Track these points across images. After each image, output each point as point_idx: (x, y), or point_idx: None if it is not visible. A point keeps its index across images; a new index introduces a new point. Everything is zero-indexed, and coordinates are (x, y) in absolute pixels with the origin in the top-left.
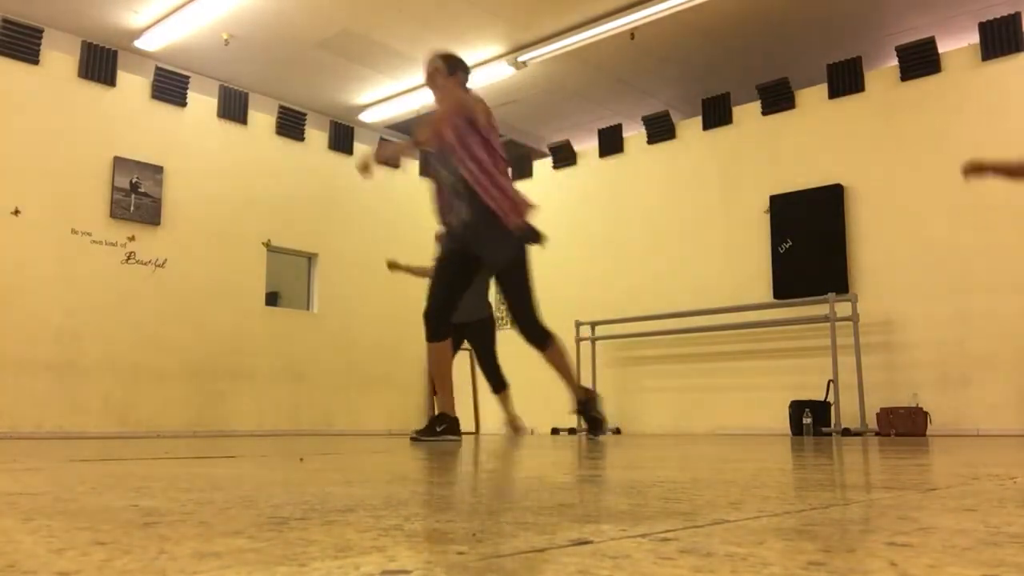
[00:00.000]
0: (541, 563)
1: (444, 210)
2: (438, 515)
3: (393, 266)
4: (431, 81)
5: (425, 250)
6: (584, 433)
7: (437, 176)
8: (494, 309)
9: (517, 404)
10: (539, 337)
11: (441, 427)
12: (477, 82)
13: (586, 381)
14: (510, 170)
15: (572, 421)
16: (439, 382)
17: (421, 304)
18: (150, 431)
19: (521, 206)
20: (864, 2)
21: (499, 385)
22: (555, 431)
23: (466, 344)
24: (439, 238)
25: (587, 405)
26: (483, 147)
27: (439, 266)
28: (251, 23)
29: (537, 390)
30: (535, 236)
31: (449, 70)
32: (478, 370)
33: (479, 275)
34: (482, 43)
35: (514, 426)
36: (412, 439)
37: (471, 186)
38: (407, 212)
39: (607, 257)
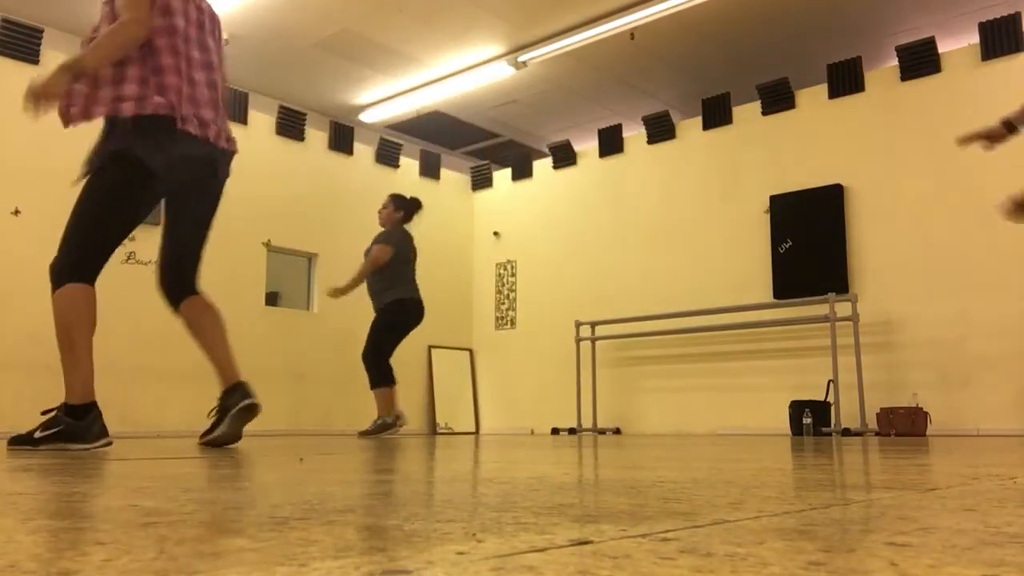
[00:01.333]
0: (541, 563)
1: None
2: (438, 514)
3: (335, 292)
4: None
5: (424, 250)
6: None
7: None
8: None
9: (520, 404)
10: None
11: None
12: (477, 82)
13: (586, 381)
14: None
15: (571, 421)
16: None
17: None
18: (150, 431)
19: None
20: (864, 2)
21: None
22: (555, 431)
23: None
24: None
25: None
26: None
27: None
28: (251, 23)
29: (536, 391)
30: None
31: None
32: (479, 371)
33: None
34: (482, 43)
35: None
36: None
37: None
38: None
39: (607, 257)
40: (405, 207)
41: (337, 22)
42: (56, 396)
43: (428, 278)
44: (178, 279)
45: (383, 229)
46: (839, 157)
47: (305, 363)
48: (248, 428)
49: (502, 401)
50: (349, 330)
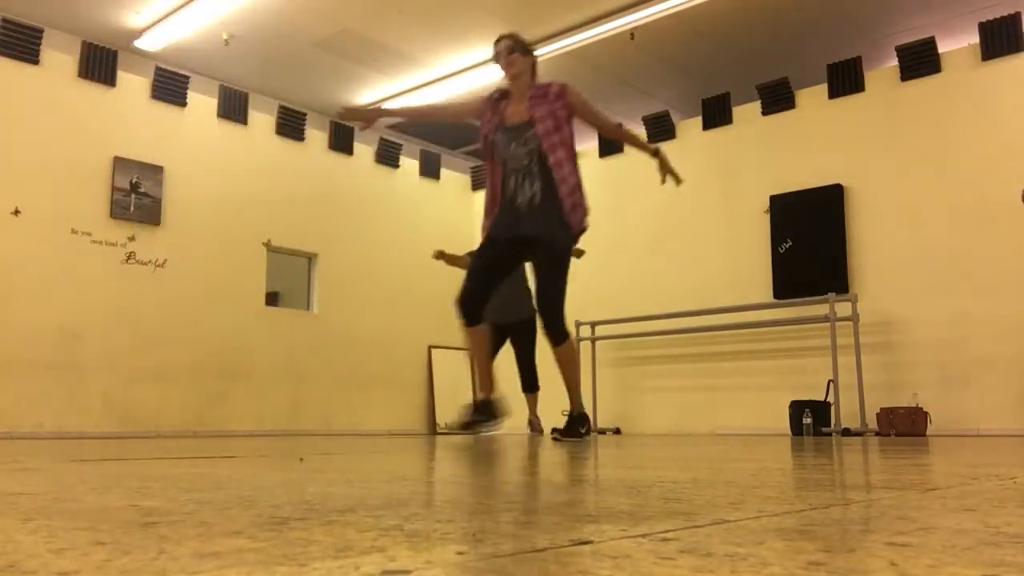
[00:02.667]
0: (541, 563)
1: (505, 189)
2: (438, 515)
3: (440, 255)
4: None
5: (424, 250)
6: (554, 432)
7: (505, 152)
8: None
9: (520, 404)
10: (556, 330)
11: (482, 414)
12: (477, 81)
13: (586, 381)
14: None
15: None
16: (478, 366)
17: (422, 304)
18: (150, 431)
19: (584, 206)
20: (864, 2)
21: (531, 386)
22: (555, 431)
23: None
24: (485, 221)
25: (577, 420)
26: (572, 139)
27: (481, 250)
28: (251, 23)
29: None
30: (578, 237)
31: (523, 50)
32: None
33: (520, 267)
34: (482, 43)
35: (533, 426)
36: (555, 439)
37: (551, 168)
38: (407, 212)
39: (607, 257)
40: None
41: (337, 22)
42: (54, 394)
43: (428, 278)
44: None
45: None
46: (839, 157)
47: (305, 363)
48: (248, 428)
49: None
50: (349, 330)
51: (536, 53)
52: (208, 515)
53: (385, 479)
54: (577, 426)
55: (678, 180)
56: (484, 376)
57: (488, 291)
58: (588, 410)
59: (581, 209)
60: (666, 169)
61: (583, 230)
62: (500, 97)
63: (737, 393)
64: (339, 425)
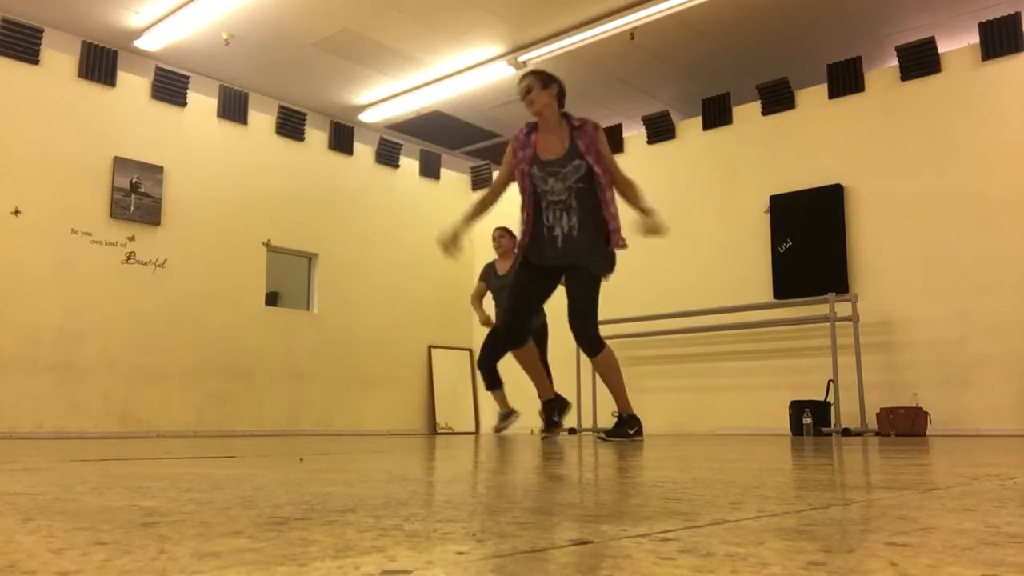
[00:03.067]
0: (541, 563)
1: (541, 221)
2: (438, 515)
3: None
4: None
5: (424, 250)
6: (599, 434)
7: (543, 186)
8: (547, 318)
9: (519, 404)
10: (590, 344)
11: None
12: (477, 82)
13: (586, 381)
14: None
15: (571, 421)
16: (533, 377)
17: (422, 304)
18: (150, 431)
19: (619, 236)
20: (864, 2)
21: (495, 382)
22: (601, 432)
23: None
24: (519, 249)
25: (626, 421)
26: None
27: (519, 279)
28: (251, 23)
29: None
30: (613, 265)
31: (543, 84)
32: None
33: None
34: (482, 43)
35: (505, 415)
36: (599, 439)
37: (590, 202)
38: (407, 212)
39: None
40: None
41: (337, 22)
42: (55, 394)
43: (428, 278)
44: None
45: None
46: (839, 157)
47: (305, 362)
48: (248, 428)
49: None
50: (349, 330)
51: (536, 53)
52: (208, 515)
53: (385, 479)
54: (625, 427)
55: (661, 234)
56: (541, 383)
57: (528, 318)
58: (588, 410)
59: (619, 234)
60: (650, 229)
61: (614, 255)
62: (529, 131)
63: (737, 393)
64: (339, 425)
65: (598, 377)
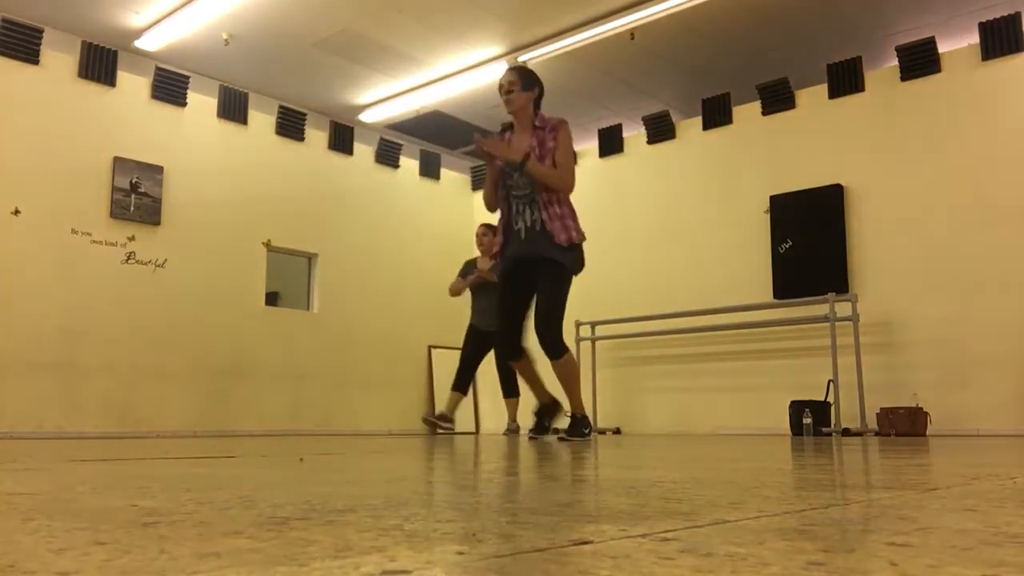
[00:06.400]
0: (541, 563)
1: (512, 217)
2: (438, 515)
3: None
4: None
5: (424, 250)
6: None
7: (511, 182)
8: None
9: (520, 404)
10: (552, 347)
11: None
12: (477, 82)
13: (586, 381)
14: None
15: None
16: (532, 387)
17: (422, 304)
18: (150, 431)
19: (577, 231)
20: (864, 2)
21: (511, 391)
22: (555, 431)
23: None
24: (499, 254)
25: (580, 422)
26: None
27: (503, 283)
28: (251, 23)
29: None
30: (580, 261)
31: (525, 85)
32: (479, 371)
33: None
34: (482, 43)
35: (512, 431)
36: (559, 439)
37: (543, 196)
38: (407, 212)
39: (607, 257)
40: None
41: (337, 22)
42: (55, 394)
43: (428, 278)
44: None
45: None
46: (839, 157)
47: (305, 363)
48: (248, 428)
49: (502, 401)
50: (349, 330)
51: (535, 53)
52: (208, 515)
53: (385, 479)
54: (580, 427)
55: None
56: (538, 390)
57: (518, 322)
58: (588, 410)
59: (575, 232)
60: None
61: (579, 251)
62: (506, 130)
63: (737, 393)
64: (339, 425)
65: (596, 380)
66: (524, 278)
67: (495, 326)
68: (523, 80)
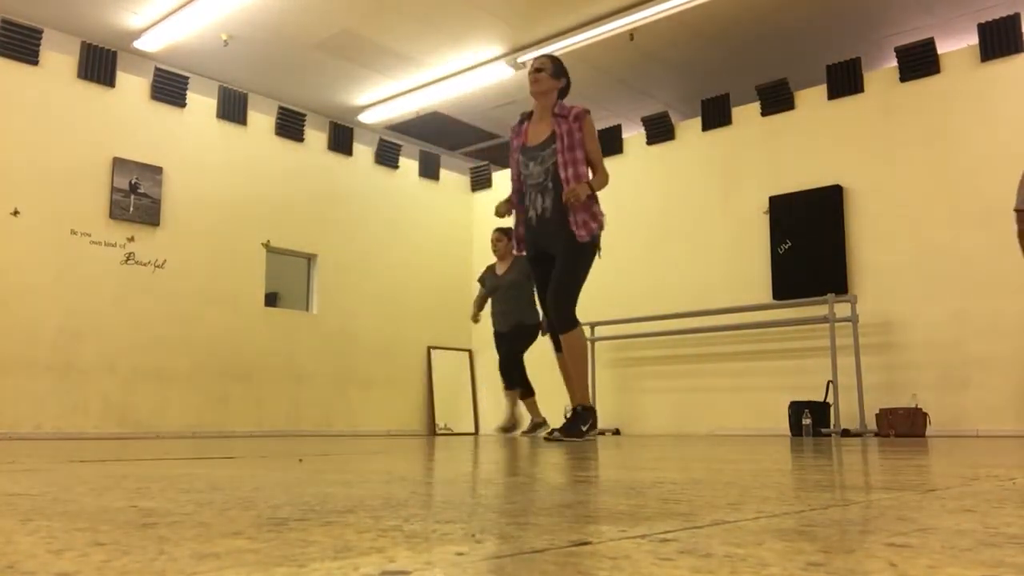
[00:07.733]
0: (541, 564)
1: (525, 204)
2: (438, 515)
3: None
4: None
5: (424, 251)
6: (550, 431)
7: (525, 171)
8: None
9: (520, 404)
10: (561, 320)
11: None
12: (477, 82)
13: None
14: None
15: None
16: (565, 381)
17: (422, 304)
18: (149, 432)
19: (598, 221)
20: (864, 2)
21: (526, 391)
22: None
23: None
24: (519, 241)
25: (580, 416)
26: (585, 160)
27: (534, 272)
28: (251, 23)
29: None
30: (597, 243)
31: (554, 72)
32: (478, 371)
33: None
34: (482, 43)
35: (507, 426)
36: (552, 439)
37: (562, 184)
38: (407, 213)
39: (607, 257)
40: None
41: (337, 23)
42: (54, 395)
43: (428, 279)
44: None
45: (498, 260)
46: (838, 158)
47: (305, 363)
48: (247, 429)
49: (501, 402)
50: (348, 331)
51: (535, 54)
52: (207, 516)
53: (384, 479)
54: (579, 424)
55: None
56: (576, 387)
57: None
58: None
59: (595, 223)
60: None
61: (596, 236)
62: (523, 120)
63: (736, 394)
64: (339, 426)
65: (596, 380)
66: (547, 265)
67: (506, 326)
68: (555, 66)
